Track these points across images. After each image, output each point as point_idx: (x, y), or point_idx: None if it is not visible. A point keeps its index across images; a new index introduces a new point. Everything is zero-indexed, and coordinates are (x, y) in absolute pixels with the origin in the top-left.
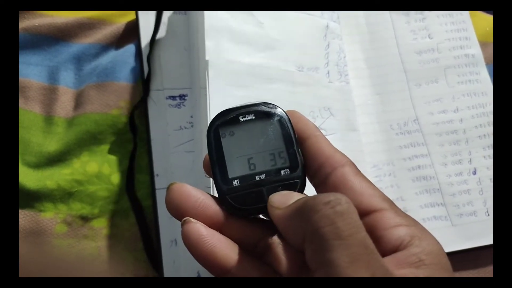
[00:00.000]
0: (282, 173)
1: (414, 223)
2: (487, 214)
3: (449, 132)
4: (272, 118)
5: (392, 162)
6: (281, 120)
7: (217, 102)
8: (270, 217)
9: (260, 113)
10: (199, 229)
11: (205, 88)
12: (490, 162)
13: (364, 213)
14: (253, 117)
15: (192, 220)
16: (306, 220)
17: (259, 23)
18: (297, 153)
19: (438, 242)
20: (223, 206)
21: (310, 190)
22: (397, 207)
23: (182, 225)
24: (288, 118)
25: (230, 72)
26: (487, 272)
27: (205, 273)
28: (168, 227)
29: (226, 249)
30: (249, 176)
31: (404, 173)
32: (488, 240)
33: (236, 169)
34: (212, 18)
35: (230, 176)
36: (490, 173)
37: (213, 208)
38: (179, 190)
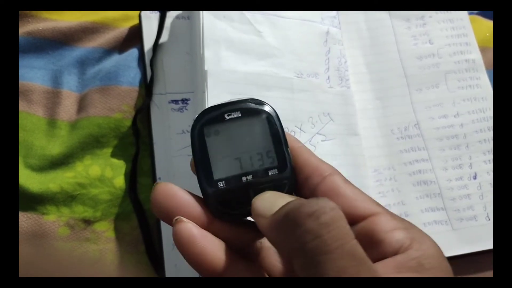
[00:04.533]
0: (270, 174)
1: (411, 226)
2: (487, 218)
3: (449, 137)
4: (259, 115)
5: (393, 166)
6: (269, 118)
7: None
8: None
9: (247, 110)
10: (191, 229)
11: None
12: (490, 167)
13: (360, 218)
14: (239, 115)
15: (184, 219)
16: (290, 235)
17: (258, 32)
18: (286, 153)
19: (436, 245)
20: (208, 208)
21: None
22: (391, 211)
23: (174, 224)
24: (277, 115)
25: (228, 81)
26: (487, 276)
27: None
28: (170, 230)
29: (218, 251)
30: (235, 177)
31: (405, 178)
32: (489, 244)
33: (221, 170)
34: (211, 29)
35: (216, 177)
36: (490, 177)
37: (199, 210)
38: (163, 190)
